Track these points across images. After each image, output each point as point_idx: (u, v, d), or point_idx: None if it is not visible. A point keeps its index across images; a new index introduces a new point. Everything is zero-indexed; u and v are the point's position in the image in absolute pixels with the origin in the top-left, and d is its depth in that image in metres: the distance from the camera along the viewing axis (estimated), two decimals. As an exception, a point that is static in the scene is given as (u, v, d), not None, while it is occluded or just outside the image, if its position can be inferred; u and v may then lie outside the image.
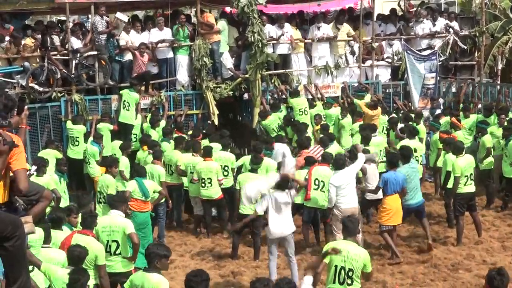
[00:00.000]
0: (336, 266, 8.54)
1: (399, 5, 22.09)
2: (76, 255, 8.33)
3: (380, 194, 12.79)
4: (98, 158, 15.06)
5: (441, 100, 19.53)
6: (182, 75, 17.67)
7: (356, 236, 9.25)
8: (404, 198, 12.51)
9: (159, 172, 13.76)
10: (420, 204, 12.95)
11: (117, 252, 9.90)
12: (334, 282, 8.56)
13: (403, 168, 12.66)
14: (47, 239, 8.89)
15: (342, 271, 8.54)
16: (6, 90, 6.67)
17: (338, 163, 12.43)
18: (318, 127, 16.84)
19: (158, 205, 13.58)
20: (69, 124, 15.99)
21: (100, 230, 9.90)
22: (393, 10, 21.53)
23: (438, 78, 19.63)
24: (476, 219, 13.45)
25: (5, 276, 5.81)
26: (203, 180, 13.78)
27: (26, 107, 6.84)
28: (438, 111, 18.25)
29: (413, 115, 17.11)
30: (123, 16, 15.95)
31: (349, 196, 12.06)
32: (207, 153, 14.02)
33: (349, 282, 8.55)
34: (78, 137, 15.79)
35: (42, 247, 8.74)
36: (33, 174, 11.92)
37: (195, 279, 6.90)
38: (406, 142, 14.76)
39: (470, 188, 13.09)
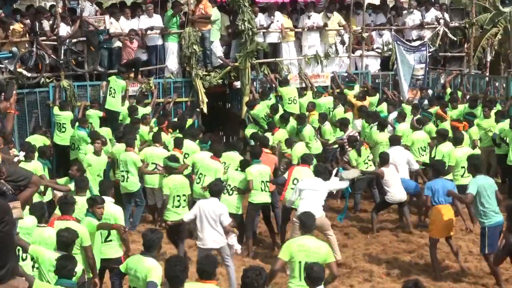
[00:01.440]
0: (300, 263, 8.51)
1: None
2: (63, 241, 8.29)
3: (401, 198, 12.90)
4: (89, 141, 14.84)
5: (430, 91, 19.57)
6: (172, 63, 17.59)
7: (312, 232, 9.12)
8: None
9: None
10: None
11: (108, 239, 9.87)
12: (299, 279, 8.46)
13: None
14: (42, 219, 8.88)
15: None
16: None
17: (317, 170, 12.07)
18: (312, 113, 16.86)
19: (136, 195, 13.62)
20: (56, 110, 15.90)
21: None
22: (384, 0, 21.51)
23: (428, 69, 19.66)
24: (471, 211, 13.40)
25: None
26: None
27: (14, 92, 6.80)
28: (427, 102, 18.28)
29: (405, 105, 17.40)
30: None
31: (309, 206, 10.99)
32: (177, 144, 13.98)
33: None
34: (65, 123, 15.72)
35: (37, 226, 8.77)
36: (21, 160, 11.92)
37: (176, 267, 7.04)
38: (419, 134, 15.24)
39: (467, 180, 13.05)
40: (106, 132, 15.23)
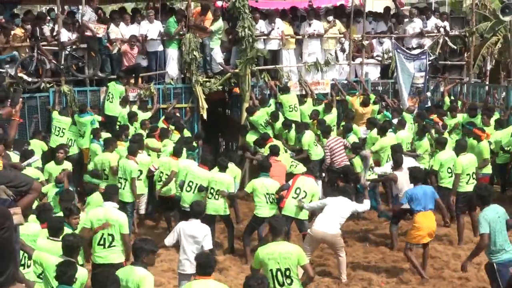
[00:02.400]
0: (271, 270, 8.53)
1: (394, 1, 22.07)
2: (68, 245, 8.30)
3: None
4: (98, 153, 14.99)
5: (428, 94, 19.58)
6: (172, 69, 17.60)
7: (283, 236, 9.27)
8: None
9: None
10: None
11: (112, 244, 9.86)
12: (274, 287, 8.50)
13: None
14: (59, 232, 8.89)
15: (279, 273, 8.54)
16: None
17: (344, 190, 12.00)
18: (315, 122, 16.90)
19: (127, 203, 13.53)
20: (55, 114, 15.92)
21: (95, 222, 9.87)
22: (387, 8, 21.53)
23: (428, 77, 19.67)
24: (474, 220, 13.38)
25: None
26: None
27: (20, 99, 6.80)
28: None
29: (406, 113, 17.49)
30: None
31: (326, 221, 11.34)
32: (175, 153, 14.03)
33: (289, 281, 8.58)
34: (64, 129, 15.78)
35: (54, 240, 8.76)
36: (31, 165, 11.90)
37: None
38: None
39: (472, 187, 13.03)
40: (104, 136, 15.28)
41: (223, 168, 13.12)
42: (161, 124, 16.23)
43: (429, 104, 19.23)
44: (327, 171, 15.65)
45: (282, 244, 8.78)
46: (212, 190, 12.79)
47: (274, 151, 14.48)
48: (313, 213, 12.52)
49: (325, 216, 11.40)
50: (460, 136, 16.19)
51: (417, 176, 11.84)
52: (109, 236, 9.84)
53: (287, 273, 8.57)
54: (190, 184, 12.93)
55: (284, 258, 8.56)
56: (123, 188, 13.44)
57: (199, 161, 13.62)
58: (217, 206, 12.80)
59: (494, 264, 9.27)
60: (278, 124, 16.78)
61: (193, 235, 10.07)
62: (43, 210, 9.63)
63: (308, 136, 16.00)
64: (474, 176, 13.26)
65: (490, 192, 9.73)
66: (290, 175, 13.99)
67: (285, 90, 17.76)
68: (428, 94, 19.64)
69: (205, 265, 7.94)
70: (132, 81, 16.96)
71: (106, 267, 9.67)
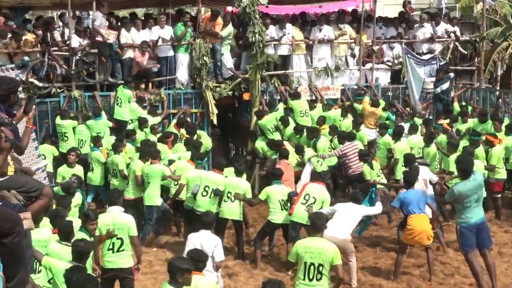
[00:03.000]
0: (305, 263, 8.93)
1: (404, 7, 22.04)
2: (78, 250, 8.34)
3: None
4: (103, 161, 15.20)
5: (452, 74, 19.59)
6: (182, 74, 17.65)
7: (323, 232, 9.54)
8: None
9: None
10: None
11: (121, 249, 9.88)
12: (304, 279, 8.95)
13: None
14: (69, 236, 8.92)
15: (312, 267, 8.91)
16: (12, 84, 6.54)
17: (355, 197, 12.00)
18: (323, 127, 16.88)
19: (151, 206, 13.61)
20: (57, 119, 15.97)
21: (104, 228, 9.88)
22: (401, 13, 21.48)
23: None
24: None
25: (3, 272, 5.79)
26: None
27: (34, 106, 6.81)
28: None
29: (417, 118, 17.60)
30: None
31: (337, 226, 11.32)
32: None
33: (319, 277, 8.92)
34: (66, 132, 15.84)
35: (66, 244, 8.78)
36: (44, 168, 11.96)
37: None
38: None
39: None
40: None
41: (240, 173, 13.15)
42: (172, 129, 16.32)
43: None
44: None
45: (320, 240, 9.19)
46: (229, 194, 12.80)
47: (284, 154, 14.50)
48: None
49: (336, 222, 11.39)
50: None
51: (409, 180, 11.92)
52: (118, 240, 9.86)
53: (320, 268, 8.92)
54: (206, 189, 12.86)
55: (319, 254, 8.92)
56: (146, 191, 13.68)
57: (212, 165, 13.55)
58: (232, 210, 12.80)
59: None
60: (289, 130, 16.75)
61: (204, 246, 9.78)
62: (56, 215, 9.67)
63: (323, 141, 16.01)
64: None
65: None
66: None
67: (296, 95, 17.75)
68: (451, 75, 19.56)
69: (198, 259, 8.30)
70: (143, 86, 17.01)
71: (115, 272, 9.70)
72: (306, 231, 10.67)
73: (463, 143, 15.92)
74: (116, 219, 9.95)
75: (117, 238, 9.87)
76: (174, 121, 16.77)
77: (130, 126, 16.38)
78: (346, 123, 17.36)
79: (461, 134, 16.57)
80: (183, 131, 16.25)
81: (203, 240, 10.01)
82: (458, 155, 12.52)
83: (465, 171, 10.47)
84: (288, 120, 16.89)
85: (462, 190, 10.36)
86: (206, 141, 16.44)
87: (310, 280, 8.93)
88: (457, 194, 10.38)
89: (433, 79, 19.34)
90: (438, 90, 19.22)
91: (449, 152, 14.56)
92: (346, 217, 11.49)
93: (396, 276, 11.71)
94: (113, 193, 11.20)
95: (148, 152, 13.94)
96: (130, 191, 13.89)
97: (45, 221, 9.21)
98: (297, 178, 14.72)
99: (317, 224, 9.35)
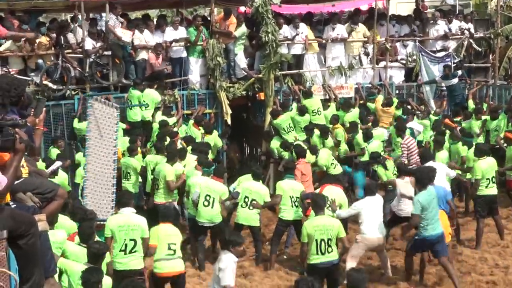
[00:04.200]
0: (316, 240, 10.18)
1: (417, 5, 21.96)
2: (94, 252, 8.38)
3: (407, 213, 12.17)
4: None
5: (459, 72, 19.47)
6: (194, 76, 17.65)
7: (323, 211, 10.66)
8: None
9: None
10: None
11: (134, 250, 9.90)
12: (317, 254, 10.22)
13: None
14: (88, 238, 8.95)
15: (322, 242, 10.19)
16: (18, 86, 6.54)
17: (370, 189, 11.93)
18: (336, 127, 16.87)
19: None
20: (75, 123, 15.97)
21: (117, 229, 9.92)
22: (417, 11, 21.39)
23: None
24: (498, 222, 13.33)
25: (18, 274, 5.81)
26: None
27: (44, 109, 6.83)
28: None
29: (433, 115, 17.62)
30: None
31: (374, 225, 11.45)
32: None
33: (330, 250, 10.26)
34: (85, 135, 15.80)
35: (84, 246, 8.84)
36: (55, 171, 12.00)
37: None
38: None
39: (492, 190, 12.99)
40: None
41: (257, 177, 13.08)
42: (191, 128, 16.36)
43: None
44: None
45: (325, 217, 10.53)
46: (246, 199, 12.68)
47: (302, 154, 14.44)
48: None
49: (371, 221, 11.43)
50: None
51: (423, 181, 11.16)
52: (131, 242, 9.89)
53: (329, 242, 10.24)
54: (208, 198, 12.47)
55: (327, 230, 10.24)
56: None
57: (213, 173, 13.10)
58: (248, 216, 12.72)
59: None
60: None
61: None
62: (83, 219, 9.69)
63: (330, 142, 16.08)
64: (494, 180, 13.10)
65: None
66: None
67: (308, 94, 17.70)
68: (459, 72, 19.45)
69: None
70: (156, 87, 17.01)
71: (127, 273, 9.70)
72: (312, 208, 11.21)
73: (478, 140, 15.90)
74: (130, 221, 9.96)
75: (130, 240, 9.88)
76: (192, 121, 16.73)
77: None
78: (351, 116, 17.41)
79: (478, 132, 16.51)
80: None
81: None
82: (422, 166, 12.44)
83: (419, 180, 11.04)
84: (312, 128, 16.63)
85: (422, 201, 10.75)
86: (216, 141, 16.41)
87: (323, 253, 10.21)
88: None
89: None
90: (443, 85, 19.13)
91: (435, 149, 14.42)
92: (376, 213, 11.55)
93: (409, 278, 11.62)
94: (124, 194, 11.20)
95: (174, 154, 13.92)
96: (162, 196, 13.75)
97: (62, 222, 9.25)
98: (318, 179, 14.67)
99: (319, 203, 10.63)
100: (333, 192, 12.35)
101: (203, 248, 12.79)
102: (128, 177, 14.67)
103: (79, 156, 15.10)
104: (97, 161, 12.83)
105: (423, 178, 11.06)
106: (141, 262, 10.04)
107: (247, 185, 12.97)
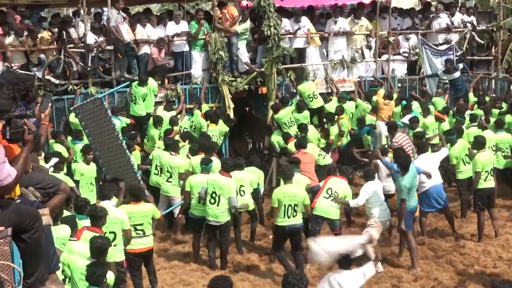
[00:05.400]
0: (285, 205, 11.43)
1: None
2: (97, 247, 8.41)
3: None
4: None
5: (460, 65, 19.45)
6: (196, 70, 17.63)
7: (291, 180, 11.71)
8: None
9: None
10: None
11: (114, 243, 9.84)
12: (284, 217, 11.48)
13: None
14: (72, 232, 8.96)
15: (290, 208, 11.43)
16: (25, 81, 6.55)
17: (370, 175, 12.35)
18: (341, 117, 17.08)
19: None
20: (71, 117, 15.83)
21: None
22: (427, 3, 21.36)
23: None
24: (493, 216, 13.32)
25: (22, 268, 5.82)
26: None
27: (50, 104, 6.83)
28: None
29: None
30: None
31: (383, 208, 12.04)
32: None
33: (295, 214, 11.50)
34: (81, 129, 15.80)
35: (69, 239, 8.83)
36: (52, 166, 12.00)
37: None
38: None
39: (490, 183, 13.01)
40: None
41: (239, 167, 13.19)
42: (198, 118, 16.44)
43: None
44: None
45: (292, 185, 11.67)
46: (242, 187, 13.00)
47: (302, 144, 14.58)
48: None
49: (379, 205, 12.04)
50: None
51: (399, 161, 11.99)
52: (111, 234, 9.88)
53: (296, 208, 11.49)
54: (214, 196, 12.16)
55: (294, 197, 11.46)
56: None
57: (221, 167, 12.83)
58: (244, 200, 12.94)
59: None
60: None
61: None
62: (93, 215, 9.62)
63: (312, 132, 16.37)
64: (492, 173, 13.12)
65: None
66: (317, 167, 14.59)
67: (300, 79, 17.80)
68: (460, 65, 19.43)
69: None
70: (159, 81, 17.01)
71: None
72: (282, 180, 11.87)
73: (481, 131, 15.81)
74: (110, 213, 9.91)
75: (110, 232, 9.88)
76: (198, 111, 16.75)
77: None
78: (329, 107, 17.72)
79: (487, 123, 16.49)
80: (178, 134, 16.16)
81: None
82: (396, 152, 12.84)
83: (401, 165, 11.79)
84: (305, 127, 16.56)
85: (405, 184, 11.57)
86: (222, 127, 16.44)
87: (289, 217, 11.46)
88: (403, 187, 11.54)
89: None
90: (445, 78, 19.09)
91: (475, 149, 14.18)
92: (381, 197, 12.15)
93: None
94: (105, 187, 11.22)
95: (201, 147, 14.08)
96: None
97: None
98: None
99: (287, 173, 11.72)
100: (337, 184, 12.39)
101: (214, 247, 12.45)
102: None
103: (78, 147, 15.03)
104: (110, 157, 13.81)
105: (401, 163, 11.81)
106: (121, 254, 10.10)
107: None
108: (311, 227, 12.49)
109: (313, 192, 12.63)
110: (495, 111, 16.81)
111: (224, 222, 12.23)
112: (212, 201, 12.16)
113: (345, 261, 8.41)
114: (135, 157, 14.82)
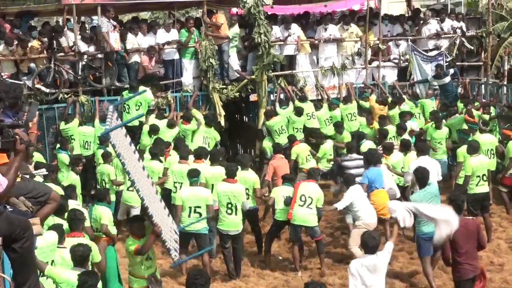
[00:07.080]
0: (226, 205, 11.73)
1: (408, 5, 22.00)
2: (78, 255, 8.35)
3: None
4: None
5: (451, 70, 19.51)
6: (187, 78, 17.62)
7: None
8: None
9: None
10: None
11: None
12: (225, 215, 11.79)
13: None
14: (61, 239, 8.90)
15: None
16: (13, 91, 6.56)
17: (350, 180, 12.24)
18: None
19: None
20: (62, 124, 15.87)
21: None
22: (415, 11, 21.40)
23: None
24: (486, 221, 13.24)
25: (13, 278, 5.79)
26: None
27: (37, 113, 6.83)
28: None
29: None
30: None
31: (370, 210, 11.92)
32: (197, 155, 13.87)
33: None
34: (72, 135, 15.77)
35: (58, 247, 8.75)
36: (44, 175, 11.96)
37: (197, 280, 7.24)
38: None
39: (483, 188, 12.98)
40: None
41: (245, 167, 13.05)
42: (182, 126, 16.35)
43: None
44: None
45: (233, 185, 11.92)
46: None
47: (277, 149, 14.94)
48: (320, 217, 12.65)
49: (366, 206, 11.90)
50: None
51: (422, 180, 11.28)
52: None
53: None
54: (230, 206, 11.92)
55: (234, 195, 11.74)
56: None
57: (226, 175, 12.40)
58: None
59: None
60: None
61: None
62: (73, 218, 9.58)
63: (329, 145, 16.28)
64: (485, 178, 13.09)
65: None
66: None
67: (303, 99, 17.76)
68: (451, 71, 19.48)
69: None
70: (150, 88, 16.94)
71: None
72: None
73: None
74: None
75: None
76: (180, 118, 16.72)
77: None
78: (321, 114, 17.77)
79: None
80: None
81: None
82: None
83: (419, 180, 11.16)
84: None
85: (416, 199, 10.60)
86: (214, 134, 16.49)
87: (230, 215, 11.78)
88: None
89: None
90: (435, 84, 19.15)
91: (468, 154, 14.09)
92: (365, 199, 12.02)
93: None
94: (68, 187, 11.56)
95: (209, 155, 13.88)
96: None
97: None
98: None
99: (230, 172, 12.03)
100: (308, 189, 12.21)
101: (231, 256, 12.19)
102: (102, 184, 14.52)
103: (62, 157, 15.07)
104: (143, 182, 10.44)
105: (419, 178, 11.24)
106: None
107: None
108: (292, 236, 12.44)
109: (287, 205, 12.25)
110: (485, 116, 16.87)
111: (241, 230, 12.18)
112: (229, 211, 11.92)
113: (371, 248, 8.92)
114: (113, 169, 14.51)
